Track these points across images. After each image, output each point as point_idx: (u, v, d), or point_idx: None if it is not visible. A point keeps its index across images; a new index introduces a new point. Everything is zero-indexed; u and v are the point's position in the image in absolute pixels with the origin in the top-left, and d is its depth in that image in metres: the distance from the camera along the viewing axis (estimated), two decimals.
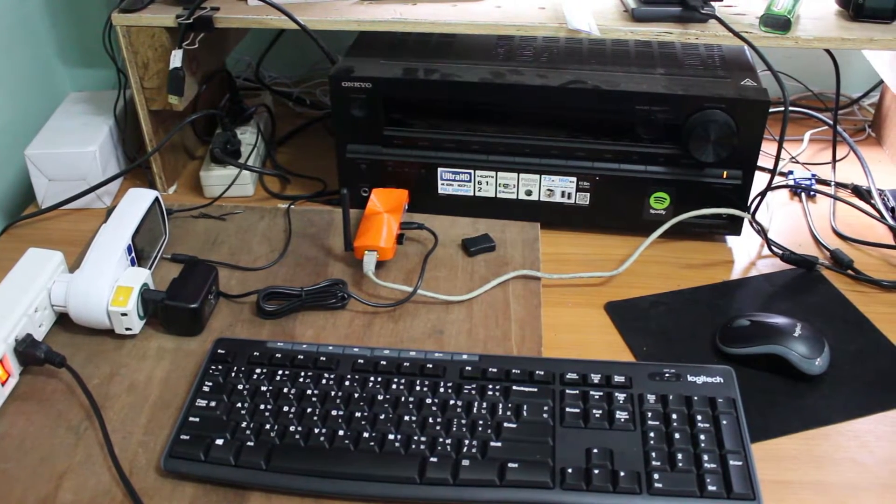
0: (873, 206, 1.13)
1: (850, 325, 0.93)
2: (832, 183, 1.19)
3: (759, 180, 1.05)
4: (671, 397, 0.79)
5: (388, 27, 1.03)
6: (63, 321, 0.93)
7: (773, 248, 1.04)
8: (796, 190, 1.18)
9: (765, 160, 1.13)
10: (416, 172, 1.08)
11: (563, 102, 1.02)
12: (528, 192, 1.07)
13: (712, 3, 1.01)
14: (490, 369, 0.83)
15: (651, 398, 0.80)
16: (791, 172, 1.21)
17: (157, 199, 1.03)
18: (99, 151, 1.13)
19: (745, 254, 1.06)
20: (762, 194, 1.05)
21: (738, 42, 0.98)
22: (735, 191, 1.03)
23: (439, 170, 1.08)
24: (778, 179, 1.18)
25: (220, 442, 0.76)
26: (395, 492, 0.73)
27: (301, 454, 0.76)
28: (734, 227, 1.06)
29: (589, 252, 1.06)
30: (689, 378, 0.82)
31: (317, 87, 1.48)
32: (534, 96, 1.01)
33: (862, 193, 1.16)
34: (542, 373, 0.82)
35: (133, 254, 0.95)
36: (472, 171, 1.07)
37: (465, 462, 0.74)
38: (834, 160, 1.23)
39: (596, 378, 0.82)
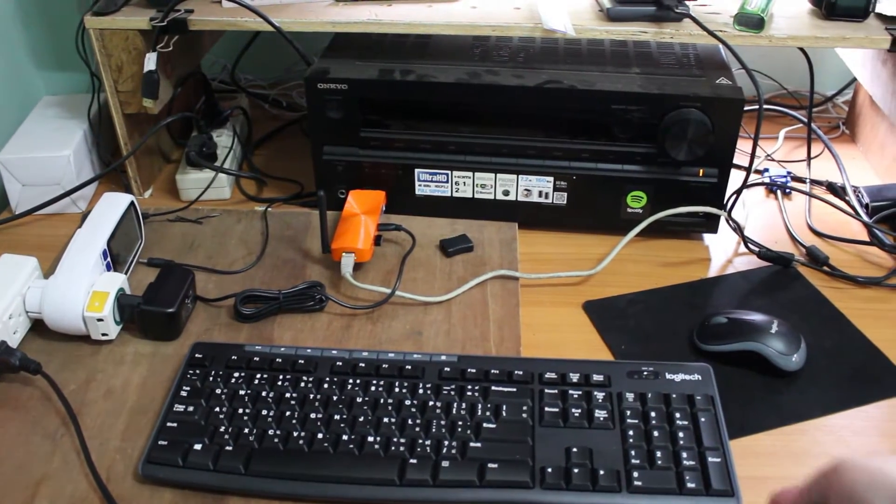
0: (848, 203, 1.14)
1: (826, 322, 0.94)
2: (807, 180, 1.20)
3: (735, 178, 1.06)
4: (650, 395, 0.80)
5: (364, 28, 1.03)
6: (38, 327, 0.92)
7: (749, 245, 1.05)
8: (772, 187, 1.19)
9: (740, 158, 1.13)
10: (394, 173, 1.08)
11: (539, 102, 1.02)
12: (506, 193, 1.07)
13: (686, 3, 1.01)
14: (469, 370, 0.83)
15: (630, 396, 0.80)
16: (766, 170, 1.22)
17: (132, 203, 1.02)
18: (73, 156, 1.12)
19: (721, 251, 1.06)
20: (738, 192, 1.06)
21: (712, 41, 0.99)
22: (711, 189, 1.03)
23: (416, 171, 1.08)
24: (753, 177, 1.19)
25: (198, 447, 0.76)
26: (374, 494, 0.73)
27: (280, 458, 0.75)
28: (711, 225, 1.06)
29: (567, 251, 1.06)
30: (668, 376, 0.82)
31: (293, 89, 1.48)
32: (510, 96, 1.02)
33: (837, 190, 1.17)
34: (520, 373, 0.82)
35: (108, 258, 0.95)
36: (449, 172, 1.07)
37: (445, 463, 0.74)
38: (809, 158, 1.24)
39: (574, 377, 0.82)
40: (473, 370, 0.83)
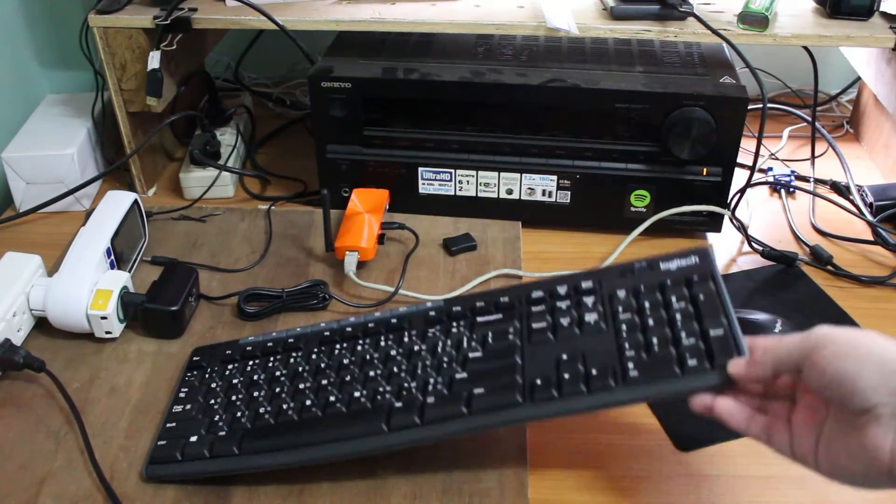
0: (852, 202, 1.14)
1: (830, 321, 0.91)
2: (811, 179, 1.20)
3: (739, 177, 1.05)
4: (643, 287, 0.75)
5: (367, 27, 1.03)
6: (42, 325, 0.92)
7: (753, 244, 1.05)
8: (776, 186, 1.19)
9: (744, 157, 1.13)
10: (397, 172, 1.08)
11: (542, 101, 1.02)
12: (509, 191, 1.07)
13: (690, 1, 1.01)
14: (454, 308, 0.80)
15: (621, 294, 0.75)
16: (770, 169, 1.22)
17: (136, 202, 1.02)
18: (77, 154, 1.12)
19: (725, 250, 1.06)
20: (742, 191, 1.06)
21: (716, 39, 0.99)
22: (715, 188, 1.03)
23: (420, 169, 1.08)
24: (757, 176, 1.19)
25: (194, 439, 0.76)
26: (362, 446, 0.72)
27: (272, 432, 0.75)
28: (714, 224, 1.06)
29: (570, 250, 1.06)
30: (662, 266, 0.76)
31: (296, 87, 1.48)
32: (513, 95, 1.02)
33: (841, 189, 1.17)
34: (506, 299, 0.79)
35: (112, 257, 0.95)
36: (452, 171, 1.07)
37: (431, 399, 0.72)
38: (813, 156, 1.23)
39: (562, 290, 0.78)
40: (458, 308, 0.80)
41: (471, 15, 1.03)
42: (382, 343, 0.80)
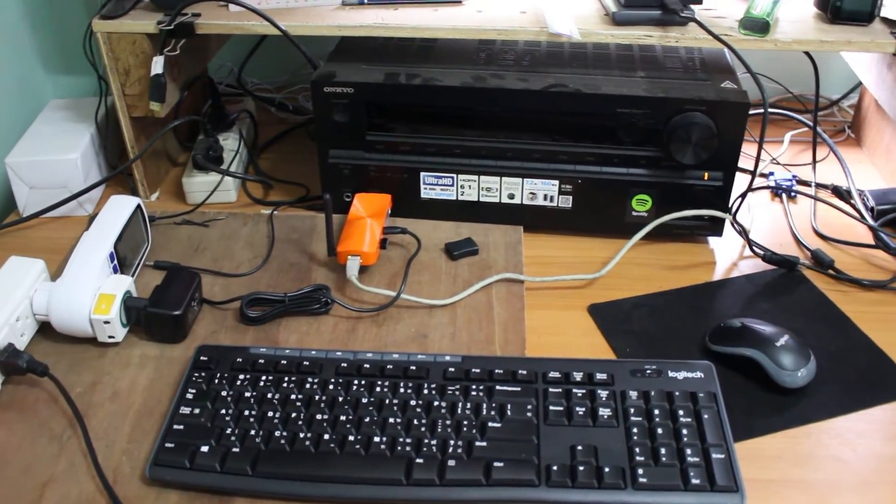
0: (853, 207, 1.14)
1: (831, 325, 0.94)
2: (812, 184, 1.20)
3: (740, 181, 1.06)
4: (653, 393, 0.80)
5: (370, 32, 1.03)
6: (45, 330, 0.92)
7: (754, 248, 1.05)
8: (777, 191, 1.19)
9: (745, 161, 1.13)
10: (399, 177, 1.08)
11: (544, 106, 1.02)
12: (511, 196, 1.08)
13: (692, 7, 1.01)
14: (473, 370, 0.83)
15: (633, 394, 0.80)
16: (772, 173, 1.22)
17: (139, 206, 1.02)
18: (80, 159, 1.12)
19: (726, 255, 1.07)
20: (743, 195, 1.06)
21: (717, 45, 0.99)
22: (716, 192, 1.03)
23: (422, 174, 1.08)
24: (759, 181, 1.19)
25: (205, 449, 0.76)
26: (382, 493, 0.73)
27: (287, 459, 0.76)
28: (716, 228, 1.07)
29: (572, 255, 1.06)
30: (670, 374, 0.83)
31: (299, 92, 1.48)
32: (515, 100, 1.02)
33: (842, 194, 1.17)
34: (524, 372, 0.83)
35: (115, 261, 0.95)
36: (454, 176, 1.07)
37: (451, 462, 0.75)
38: (814, 161, 1.24)
39: (578, 376, 0.82)
40: (478, 370, 0.83)
41: (473, 20, 1.04)
42: (401, 389, 0.81)
